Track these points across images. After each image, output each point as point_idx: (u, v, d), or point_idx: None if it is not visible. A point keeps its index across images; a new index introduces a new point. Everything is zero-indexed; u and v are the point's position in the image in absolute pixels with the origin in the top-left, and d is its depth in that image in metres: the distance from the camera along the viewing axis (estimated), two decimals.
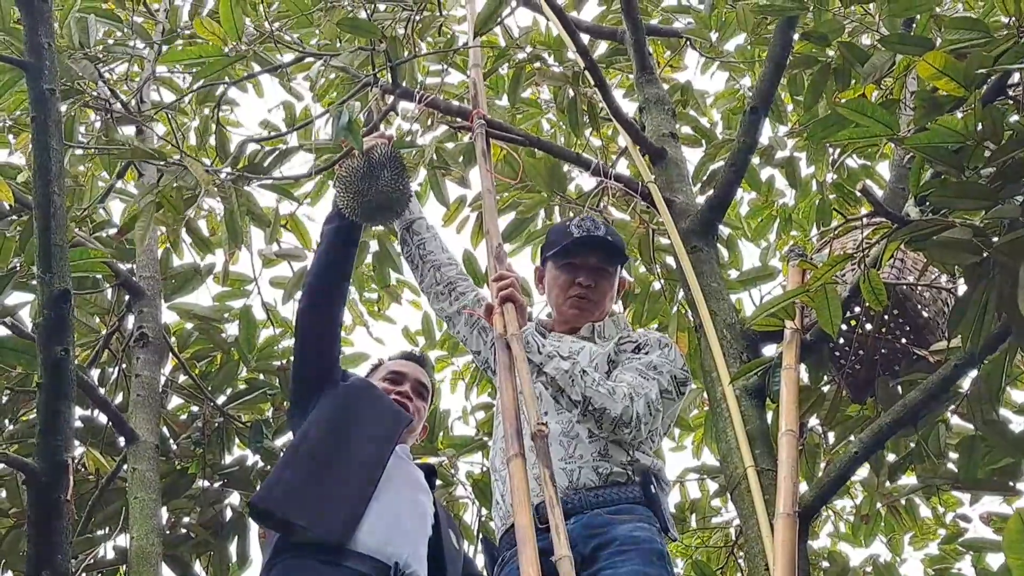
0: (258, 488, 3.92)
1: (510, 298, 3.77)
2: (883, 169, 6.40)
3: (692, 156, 6.21)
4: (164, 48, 5.89)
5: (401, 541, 3.78)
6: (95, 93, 5.35)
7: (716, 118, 7.13)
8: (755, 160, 6.47)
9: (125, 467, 5.08)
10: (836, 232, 4.23)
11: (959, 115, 3.27)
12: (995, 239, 3.31)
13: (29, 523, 3.77)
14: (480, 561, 4.47)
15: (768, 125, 6.43)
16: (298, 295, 6.09)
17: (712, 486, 6.42)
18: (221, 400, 5.60)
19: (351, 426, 3.93)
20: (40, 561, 3.75)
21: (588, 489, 3.73)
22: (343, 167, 4.13)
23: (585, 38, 6.09)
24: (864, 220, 3.88)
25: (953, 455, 4.24)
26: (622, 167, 6.13)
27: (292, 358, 4.40)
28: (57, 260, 3.66)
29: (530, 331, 3.83)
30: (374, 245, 6.47)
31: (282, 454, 4.04)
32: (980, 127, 3.21)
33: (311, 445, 3.88)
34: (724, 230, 6.38)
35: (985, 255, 3.32)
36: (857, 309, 4.12)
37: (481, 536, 4.37)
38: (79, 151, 5.83)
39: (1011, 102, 3.57)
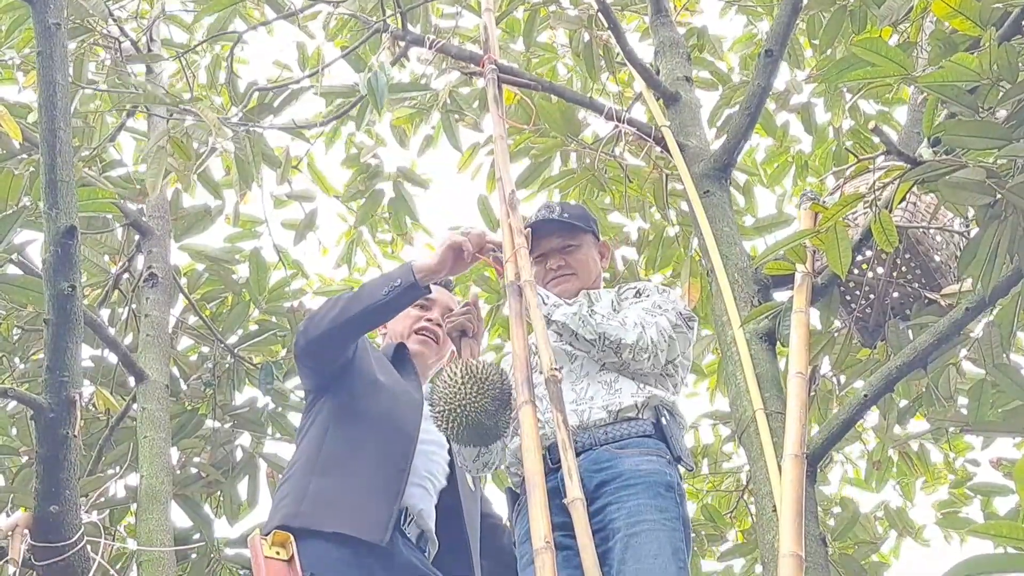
0: (277, 499, 3.87)
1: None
2: (901, 115, 6.32)
3: (709, 101, 6.16)
4: None
5: (415, 491, 3.88)
6: (105, 31, 5.32)
7: (734, 63, 7.04)
8: (771, 105, 6.40)
9: (135, 406, 5.10)
10: (849, 174, 4.19)
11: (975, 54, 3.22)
12: (1009, 181, 3.26)
13: (37, 459, 3.78)
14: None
15: (787, 69, 6.39)
16: (309, 236, 6.11)
17: (725, 431, 6.41)
18: (231, 341, 5.62)
19: (370, 429, 3.89)
20: (48, 496, 3.76)
21: (598, 427, 3.73)
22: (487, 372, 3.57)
23: None
24: (877, 162, 3.83)
25: (964, 400, 4.22)
26: (638, 112, 6.05)
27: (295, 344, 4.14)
28: (63, 196, 3.65)
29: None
30: (389, 190, 6.46)
31: (299, 460, 3.96)
32: (995, 66, 3.16)
33: (330, 453, 3.85)
34: (741, 176, 6.34)
35: (998, 196, 3.27)
36: (868, 253, 4.08)
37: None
38: (88, 91, 5.80)
39: None
